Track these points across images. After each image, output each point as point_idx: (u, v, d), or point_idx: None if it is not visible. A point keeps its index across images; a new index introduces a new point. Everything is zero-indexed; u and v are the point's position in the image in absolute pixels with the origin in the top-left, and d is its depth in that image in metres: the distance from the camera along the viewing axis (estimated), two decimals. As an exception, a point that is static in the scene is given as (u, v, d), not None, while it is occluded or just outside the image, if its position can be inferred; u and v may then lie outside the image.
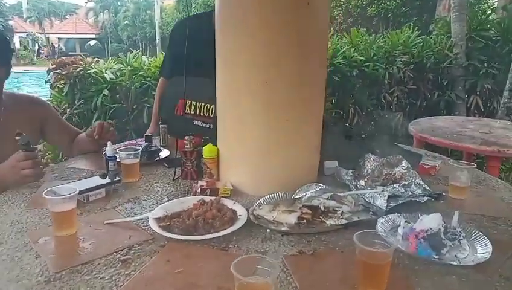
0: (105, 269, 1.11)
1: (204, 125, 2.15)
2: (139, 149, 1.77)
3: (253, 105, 1.56)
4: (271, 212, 1.38)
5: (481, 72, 5.41)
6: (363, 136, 2.01)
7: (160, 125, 2.27)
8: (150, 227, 1.30)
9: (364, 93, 5.01)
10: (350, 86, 4.89)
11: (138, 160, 1.76)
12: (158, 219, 1.33)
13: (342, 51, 4.80)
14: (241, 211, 1.39)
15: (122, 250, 1.19)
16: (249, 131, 1.58)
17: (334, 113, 4.76)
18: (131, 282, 1.05)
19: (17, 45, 30.85)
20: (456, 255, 1.19)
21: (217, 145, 1.72)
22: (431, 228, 1.22)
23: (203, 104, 2.18)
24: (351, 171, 1.72)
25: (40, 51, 33.78)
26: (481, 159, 3.88)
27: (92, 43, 36.12)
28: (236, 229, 1.29)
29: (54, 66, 4.04)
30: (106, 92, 3.90)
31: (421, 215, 1.35)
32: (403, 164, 1.74)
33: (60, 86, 4.02)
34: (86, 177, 1.74)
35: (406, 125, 3.88)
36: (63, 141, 2.20)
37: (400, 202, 1.45)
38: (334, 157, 1.85)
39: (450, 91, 5.51)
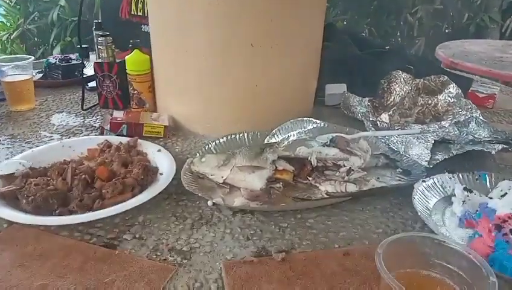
0: None
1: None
2: (30, 58, 1.11)
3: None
4: (221, 168, 0.76)
5: (524, -12, 4.49)
6: (387, 48, 1.30)
7: (94, 32, 1.59)
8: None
9: (383, 13, 4.19)
10: (366, 2, 4.06)
11: (30, 76, 1.12)
12: (7, 179, 0.72)
13: (357, -44, 3.90)
14: (165, 166, 0.77)
15: None
16: (195, 27, 0.91)
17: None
18: None
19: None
20: None
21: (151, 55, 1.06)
22: (533, 213, 0.59)
23: None
24: (367, 99, 1.06)
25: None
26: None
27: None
28: (144, 203, 0.68)
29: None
30: (63, 2, 3.16)
31: (490, 177, 0.73)
32: (451, 89, 1.08)
33: (9, -4, 3.29)
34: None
35: (428, 53, 3.16)
36: None
37: (454, 152, 0.81)
38: (341, 79, 1.19)
39: (483, 13, 4.64)
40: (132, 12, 1.63)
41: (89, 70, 1.39)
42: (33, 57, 1.14)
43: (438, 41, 4.37)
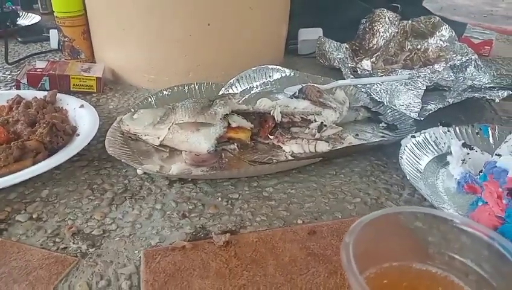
0: None
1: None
2: None
3: None
4: (156, 126, 0.60)
5: None
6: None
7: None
8: None
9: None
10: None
11: None
12: None
13: None
14: (88, 125, 0.60)
15: None
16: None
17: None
18: None
19: None
20: None
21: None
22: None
23: None
24: (346, 43, 0.89)
25: None
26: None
27: None
28: (53, 174, 0.51)
29: None
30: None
31: (493, 129, 0.59)
32: (443, 32, 0.93)
33: None
34: None
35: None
36: None
37: (450, 101, 0.66)
38: (317, 22, 1.01)
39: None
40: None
41: (25, 21, 1.19)
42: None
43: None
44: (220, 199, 0.51)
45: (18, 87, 0.76)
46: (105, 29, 0.85)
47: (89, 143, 0.57)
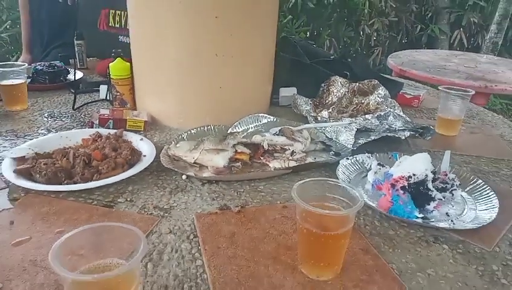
0: None
1: (130, 41, 1.67)
2: (23, 65, 1.29)
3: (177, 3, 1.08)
4: (192, 151, 0.97)
5: (468, 4, 4.94)
6: (332, 58, 1.55)
7: (76, 42, 1.76)
8: (6, 172, 0.87)
9: (342, 24, 4.51)
10: (326, 14, 4.37)
11: (23, 80, 1.29)
12: (19, 161, 0.89)
13: (318, -27, 4.22)
14: (147, 150, 0.97)
15: None
16: (169, 41, 1.12)
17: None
18: None
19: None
20: (447, 213, 0.83)
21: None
22: (414, 174, 0.83)
23: (127, 12, 1.68)
24: (310, 99, 1.30)
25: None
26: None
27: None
28: (132, 177, 0.88)
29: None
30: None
31: (400, 156, 0.97)
32: (380, 91, 1.33)
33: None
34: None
35: (385, 61, 3.46)
36: None
37: (373, 138, 1.05)
38: (293, 84, 1.42)
39: (434, 25, 5.06)
40: (110, 24, 1.81)
41: (71, 76, 1.57)
42: (26, 64, 1.31)
43: (394, 51, 4.75)
44: (232, 191, 0.87)
45: (91, 126, 1.12)
46: (145, 87, 1.23)
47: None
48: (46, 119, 1.24)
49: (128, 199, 0.83)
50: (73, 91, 1.42)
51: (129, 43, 1.50)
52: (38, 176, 0.83)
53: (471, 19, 4.97)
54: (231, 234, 0.73)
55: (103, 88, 1.38)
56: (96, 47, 1.85)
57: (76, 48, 1.77)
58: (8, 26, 3.41)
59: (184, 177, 0.91)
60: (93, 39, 1.85)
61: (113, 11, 1.78)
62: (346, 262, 0.66)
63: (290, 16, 4.08)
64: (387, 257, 0.69)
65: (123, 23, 1.74)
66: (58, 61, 1.66)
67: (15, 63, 1.32)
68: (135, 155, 0.92)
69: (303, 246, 0.64)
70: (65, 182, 0.83)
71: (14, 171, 0.85)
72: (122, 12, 1.74)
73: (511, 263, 0.70)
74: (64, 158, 0.88)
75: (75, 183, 0.84)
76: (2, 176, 0.86)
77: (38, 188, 0.81)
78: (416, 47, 4.86)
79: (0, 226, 0.73)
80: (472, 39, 5.35)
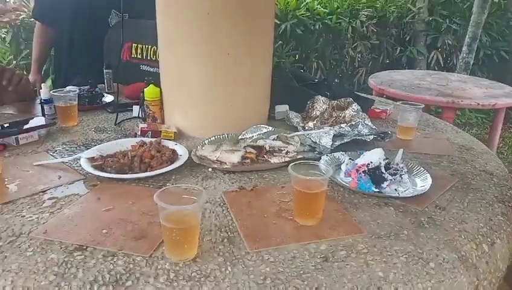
0: (29, 207, 1.03)
1: (152, 70, 2.04)
2: (75, 90, 1.65)
3: (194, 40, 1.46)
4: (214, 152, 1.33)
5: (443, 28, 5.44)
6: (316, 81, 1.94)
7: (105, 71, 2.13)
8: (82, 168, 1.22)
9: (328, 48, 4.95)
10: (313, 39, 4.80)
11: (75, 102, 1.65)
12: (91, 159, 1.25)
13: (305, 2, 4.67)
14: (181, 152, 1.33)
15: (49, 189, 1.12)
16: (191, 71, 1.49)
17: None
18: (55, 219, 0.98)
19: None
20: (396, 189, 1.19)
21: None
22: (372, 162, 1.20)
23: (149, 46, 2.06)
24: (299, 114, 1.68)
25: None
26: (438, 112, 3.96)
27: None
28: (175, 169, 1.23)
29: (-6, 12, 3.73)
30: (56, 40, 3.64)
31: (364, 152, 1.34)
32: (353, 107, 1.71)
33: (3, 35, 3.73)
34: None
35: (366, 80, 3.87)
36: None
37: (345, 140, 1.42)
38: (285, 102, 1.80)
39: (412, 46, 5.54)
40: (132, 56, 2.18)
41: (107, 98, 1.93)
42: (78, 90, 1.68)
43: (377, 71, 5.21)
44: (246, 178, 1.23)
45: (135, 136, 1.48)
46: (173, 107, 1.60)
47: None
48: (94, 132, 1.59)
49: (174, 184, 1.18)
50: (110, 111, 1.78)
51: (150, 71, 1.90)
52: (109, 169, 1.19)
53: (446, 41, 5.47)
54: (248, 202, 1.09)
55: (135, 108, 1.74)
56: (120, 74, 2.21)
57: (105, 76, 2.13)
58: (27, 55, 3.76)
59: (210, 169, 1.27)
60: (117, 67, 2.21)
61: (135, 45, 2.15)
62: (325, 217, 1.02)
63: (280, 42, 4.50)
64: (352, 214, 1.06)
65: (144, 55, 2.11)
66: (88, 86, 2.00)
67: (69, 89, 1.68)
68: (175, 155, 1.28)
69: (296, 203, 1.00)
70: (129, 173, 1.19)
71: (92, 166, 1.20)
72: (143, 46, 2.12)
73: (433, 217, 1.07)
74: (125, 157, 1.23)
75: (136, 173, 1.19)
76: (80, 169, 1.22)
77: (112, 176, 1.16)
78: (397, 67, 5.33)
79: (92, 200, 1.08)
80: (448, 59, 5.85)
